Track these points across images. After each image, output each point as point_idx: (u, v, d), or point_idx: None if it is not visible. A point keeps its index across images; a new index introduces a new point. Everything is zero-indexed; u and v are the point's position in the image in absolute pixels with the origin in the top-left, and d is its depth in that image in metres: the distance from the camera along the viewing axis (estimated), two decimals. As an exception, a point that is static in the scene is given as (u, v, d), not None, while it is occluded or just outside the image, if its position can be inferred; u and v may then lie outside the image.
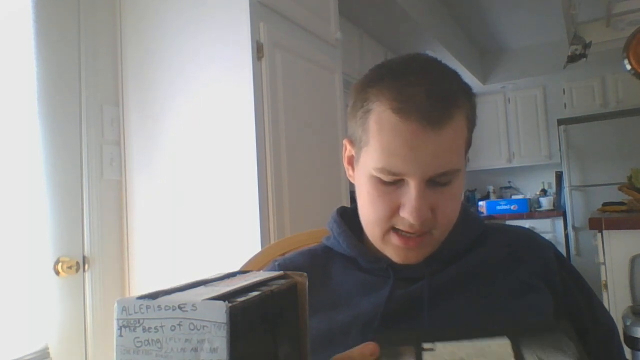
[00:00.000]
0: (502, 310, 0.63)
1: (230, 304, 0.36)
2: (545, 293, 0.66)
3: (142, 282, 1.65)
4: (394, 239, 0.63)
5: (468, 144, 0.66)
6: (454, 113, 0.60)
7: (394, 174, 0.60)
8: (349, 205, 0.80)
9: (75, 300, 1.54)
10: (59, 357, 1.45)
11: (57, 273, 1.49)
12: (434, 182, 0.61)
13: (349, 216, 0.75)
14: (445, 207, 0.62)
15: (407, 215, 0.60)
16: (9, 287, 1.38)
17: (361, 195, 0.67)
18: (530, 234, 0.74)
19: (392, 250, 0.65)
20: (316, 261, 0.73)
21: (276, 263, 0.76)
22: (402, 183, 0.61)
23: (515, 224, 0.79)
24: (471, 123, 0.65)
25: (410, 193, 0.60)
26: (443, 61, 0.69)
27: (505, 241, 0.70)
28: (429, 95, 0.59)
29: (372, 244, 0.72)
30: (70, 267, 1.52)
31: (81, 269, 1.56)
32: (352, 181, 0.71)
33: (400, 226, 0.62)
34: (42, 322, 1.44)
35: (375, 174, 0.62)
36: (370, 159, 0.62)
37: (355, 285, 0.68)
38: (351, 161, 0.70)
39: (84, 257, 1.57)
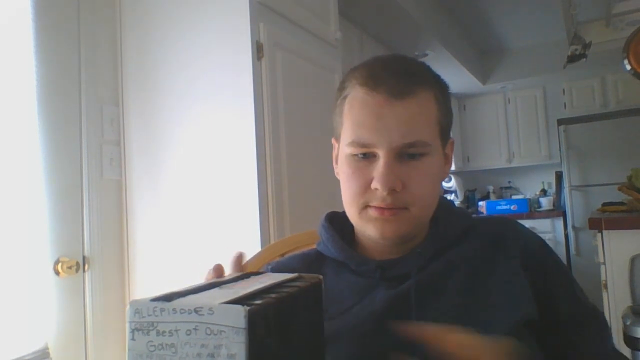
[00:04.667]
0: (489, 302, 0.63)
1: (248, 308, 0.35)
2: (525, 284, 0.65)
3: (142, 282, 1.65)
4: (371, 211, 0.65)
5: (442, 126, 0.66)
6: (420, 89, 0.63)
7: (363, 145, 0.63)
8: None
9: (75, 300, 1.54)
10: (59, 357, 1.45)
11: (57, 273, 1.49)
12: (404, 156, 0.63)
13: (338, 220, 0.76)
14: (418, 183, 0.63)
15: (376, 184, 0.62)
16: (9, 287, 1.38)
17: (342, 181, 0.69)
18: (510, 222, 0.74)
19: (371, 225, 0.65)
20: (309, 265, 0.74)
21: (269, 267, 0.76)
22: (374, 159, 0.63)
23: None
24: (442, 106, 0.66)
25: (379, 164, 0.62)
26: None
27: (487, 232, 0.71)
28: (395, 73, 0.64)
29: (361, 246, 0.72)
30: (70, 267, 1.51)
31: (81, 269, 1.56)
32: (338, 177, 0.73)
33: (373, 202, 0.64)
34: (42, 322, 1.44)
35: (348, 150, 0.65)
36: (344, 138, 0.66)
37: (346, 288, 0.68)
38: (337, 158, 0.73)
39: (84, 257, 1.57)
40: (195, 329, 0.36)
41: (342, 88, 0.68)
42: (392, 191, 0.62)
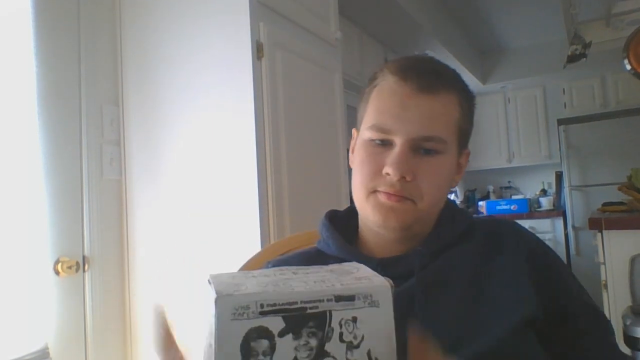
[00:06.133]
0: (491, 300, 0.63)
1: (216, 295, 0.33)
2: (527, 283, 0.65)
3: (142, 282, 1.65)
4: (379, 196, 0.66)
5: (461, 132, 0.69)
6: (447, 90, 0.66)
7: (383, 130, 0.65)
8: (348, 205, 0.80)
9: (75, 300, 1.54)
10: (59, 356, 1.45)
11: (57, 273, 1.49)
12: (418, 149, 0.65)
13: (339, 219, 0.76)
14: (428, 177, 0.65)
15: (388, 169, 0.63)
16: (9, 287, 1.38)
17: (355, 165, 0.71)
18: (514, 224, 0.74)
19: (376, 211, 0.66)
20: (309, 263, 0.74)
21: (269, 264, 0.76)
22: (390, 147, 0.65)
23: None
24: (465, 114, 0.69)
25: (395, 151, 0.64)
26: (443, 61, 0.73)
27: (490, 233, 0.71)
28: (427, 68, 0.68)
29: (362, 244, 0.72)
30: (70, 267, 1.52)
31: (81, 269, 1.56)
32: (351, 166, 0.74)
33: (382, 187, 0.65)
34: (42, 321, 1.44)
35: (367, 135, 0.67)
36: (366, 122, 0.69)
37: None
38: (354, 148, 0.74)
39: (84, 257, 1.57)
40: (208, 312, 0.36)
41: (373, 78, 0.71)
42: (402, 179, 0.63)
